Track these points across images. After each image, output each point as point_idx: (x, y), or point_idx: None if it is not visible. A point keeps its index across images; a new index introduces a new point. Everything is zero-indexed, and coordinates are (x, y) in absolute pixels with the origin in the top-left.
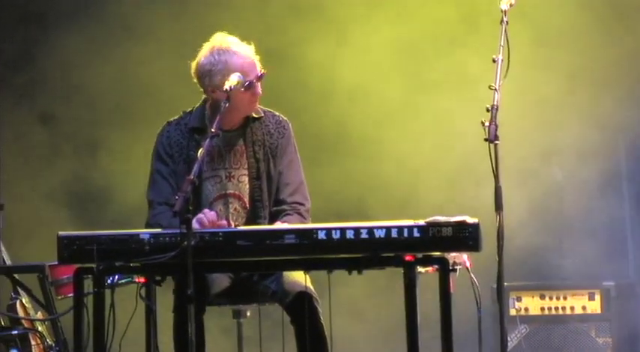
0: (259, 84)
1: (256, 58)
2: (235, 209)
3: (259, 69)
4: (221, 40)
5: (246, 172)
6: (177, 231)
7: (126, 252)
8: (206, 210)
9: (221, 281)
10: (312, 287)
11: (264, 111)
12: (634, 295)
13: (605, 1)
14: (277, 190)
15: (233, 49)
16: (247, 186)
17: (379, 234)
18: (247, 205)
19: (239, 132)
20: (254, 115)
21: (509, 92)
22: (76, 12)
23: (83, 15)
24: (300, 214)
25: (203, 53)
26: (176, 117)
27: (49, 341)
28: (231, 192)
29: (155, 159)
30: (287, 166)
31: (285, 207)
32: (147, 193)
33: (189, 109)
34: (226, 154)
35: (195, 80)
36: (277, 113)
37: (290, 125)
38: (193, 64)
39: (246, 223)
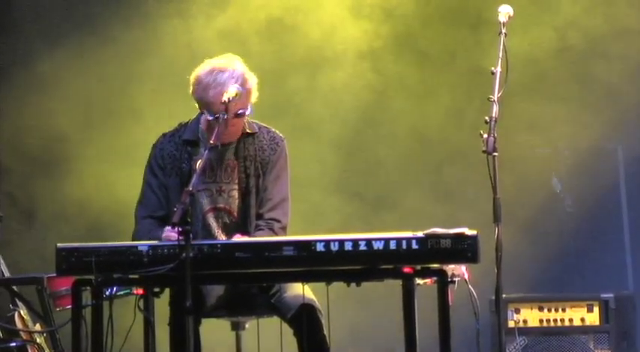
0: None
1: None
2: (225, 223)
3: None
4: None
5: (237, 187)
6: (176, 242)
7: (124, 263)
8: (168, 228)
9: (216, 292)
10: (314, 299)
11: (260, 127)
12: (633, 307)
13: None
14: (259, 204)
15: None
16: (238, 200)
17: (378, 245)
18: (237, 219)
19: (232, 147)
20: (248, 131)
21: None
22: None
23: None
24: (272, 230)
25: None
26: (171, 129)
27: None
28: (221, 206)
29: (147, 171)
30: (272, 182)
31: (260, 222)
32: (135, 206)
33: (186, 121)
34: (217, 168)
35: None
36: (273, 129)
37: (285, 142)
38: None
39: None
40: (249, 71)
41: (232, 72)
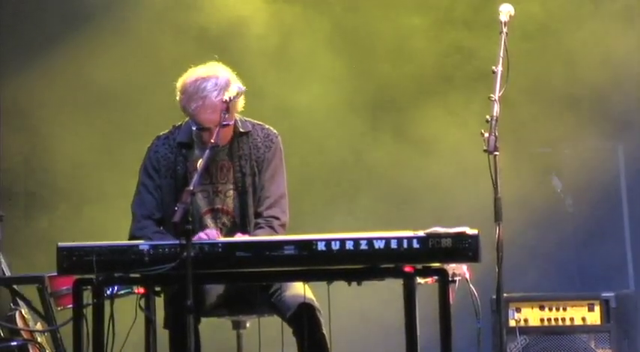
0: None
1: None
2: (223, 223)
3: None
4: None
5: (233, 187)
6: (177, 242)
7: (125, 262)
8: (208, 231)
9: (216, 290)
10: (313, 298)
11: (253, 125)
12: (634, 306)
13: None
14: (258, 203)
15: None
16: (235, 200)
17: (378, 244)
18: (235, 219)
19: (225, 147)
20: (241, 130)
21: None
22: None
23: None
24: (272, 228)
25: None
26: (165, 132)
27: None
28: (219, 206)
29: (142, 173)
30: (269, 179)
31: (260, 220)
32: (132, 205)
33: (179, 124)
34: (212, 169)
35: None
36: (267, 126)
37: (279, 138)
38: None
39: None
40: (236, 79)
41: (216, 80)
